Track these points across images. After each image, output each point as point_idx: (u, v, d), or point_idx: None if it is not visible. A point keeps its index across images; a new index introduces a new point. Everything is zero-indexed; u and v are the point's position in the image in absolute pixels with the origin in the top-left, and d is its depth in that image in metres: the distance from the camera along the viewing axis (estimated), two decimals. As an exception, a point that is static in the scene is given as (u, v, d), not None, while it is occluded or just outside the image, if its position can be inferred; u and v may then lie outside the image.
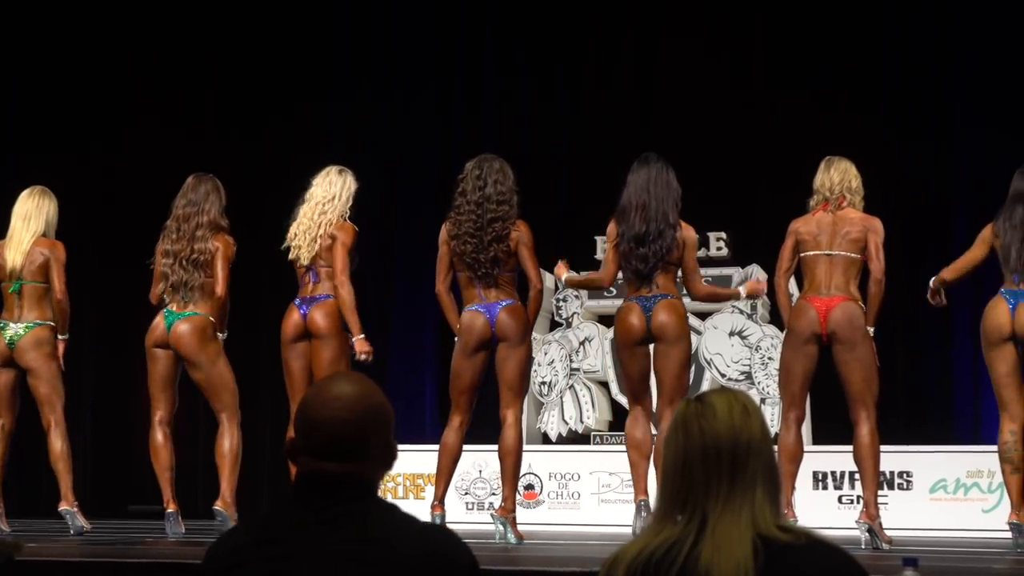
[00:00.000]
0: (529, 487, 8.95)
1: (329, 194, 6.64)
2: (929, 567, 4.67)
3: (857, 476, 6.93)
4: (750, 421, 2.40)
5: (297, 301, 6.67)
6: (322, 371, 6.41)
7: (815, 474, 8.66)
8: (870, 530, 6.24)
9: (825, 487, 8.64)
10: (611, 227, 6.47)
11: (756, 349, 9.44)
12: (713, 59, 10.21)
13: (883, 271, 6.26)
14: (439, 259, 6.43)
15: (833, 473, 8.65)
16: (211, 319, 6.66)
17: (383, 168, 10.26)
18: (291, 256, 6.66)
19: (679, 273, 6.49)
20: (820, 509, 8.57)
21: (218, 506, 6.61)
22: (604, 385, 9.92)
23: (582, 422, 9.78)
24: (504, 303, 6.32)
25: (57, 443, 6.89)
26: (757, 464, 2.37)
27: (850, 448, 6.48)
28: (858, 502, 8.06)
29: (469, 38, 10.76)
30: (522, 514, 8.74)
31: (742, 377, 9.39)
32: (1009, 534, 6.44)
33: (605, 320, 9.93)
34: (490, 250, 6.28)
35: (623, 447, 8.59)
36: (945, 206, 9.08)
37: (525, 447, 8.09)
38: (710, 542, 2.31)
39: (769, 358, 9.50)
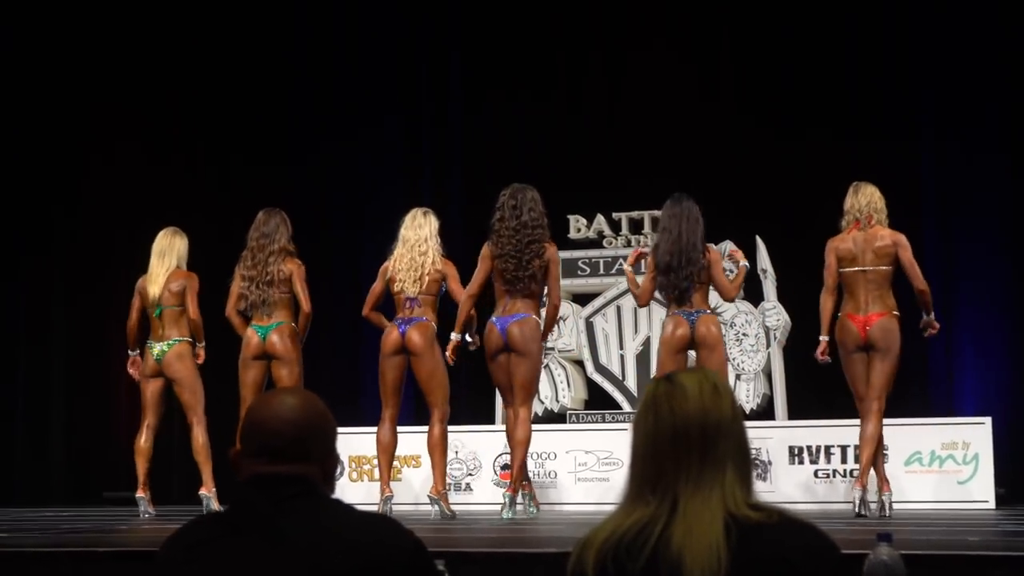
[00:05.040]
0: (505, 467, 8.95)
1: (420, 236, 7.73)
2: (905, 540, 4.68)
3: (834, 451, 8.29)
4: (720, 401, 2.38)
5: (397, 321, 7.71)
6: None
7: (791, 448, 8.68)
8: (861, 499, 7.09)
9: (801, 461, 8.66)
10: (649, 259, 7.59)
11: (731, 325, 9.45)
12: (681, 71, 10.22)
13: (922, 279, 7.29)
14: (478, 271, 7.50)
15: (809, 447, 8.66)
16: (294, 325, 7.87)
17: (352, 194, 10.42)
18: (395, 289, 7.72)
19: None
20: (796, 483, 8.60)
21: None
22: (579, 364, 9.93)
23: (558, 401, 9.79)
24: (516, 317, 7.37)
25: (200, 438, 8.05)
26: (728, 444, 2.35)
27: (824, 423, 8.04)
28: (833, 475, 8.10)
29: (434, 64, 10.79)
30: (499, 494, 8.79)
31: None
32: (985, 505, 7.03)
33: (579, 299, 9.95)
34: (528, 268, 7.37)
35: (599, 426, 8.76)
36: (912, 207, 9.15)
37: (502, 427, 8.57)
38: (682, 523, 2.28)
39: (744, 334, 9.52)
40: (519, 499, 7.40)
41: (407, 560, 2.34)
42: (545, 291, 7.61)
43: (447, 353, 7.61)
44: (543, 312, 7.62)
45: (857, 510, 7.03)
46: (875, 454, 7.24)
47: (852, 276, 7.31)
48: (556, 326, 9.68)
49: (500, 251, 7.42)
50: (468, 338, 7.68)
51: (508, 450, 8.73)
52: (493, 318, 7.49)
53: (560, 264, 7.72)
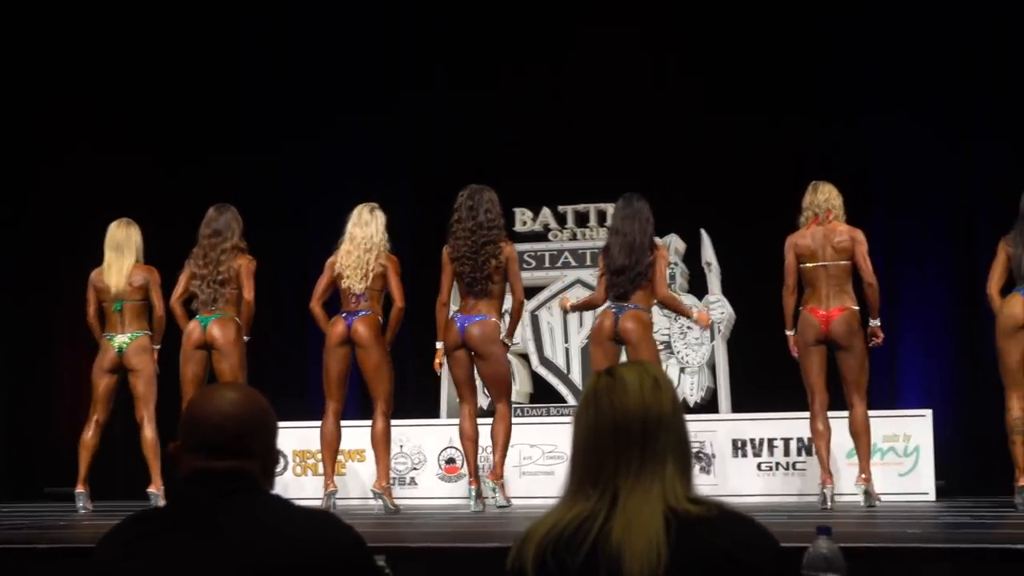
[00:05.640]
0: (450, 460, 8.94)
1: (367, 234, 7.72)
2: (845, 532, 4.71)
3: (777, 444, 8.52)
4: (661, 395, 2.39)
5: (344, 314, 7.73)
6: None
7: (735, 442, 8.71)
8: (866, 491, 7.33)
9: (744, 455, 8.69)
10: (600, 260, 7.76)
11: (675, 319, 9.48)
12: (627, 63, 10.20)
13: (872, 274, 7.45)
14: (442, 277, 7.65)
15: (752, 440, 8.69)
16: (237, 320, 7.83)
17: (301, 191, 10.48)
18: (342, 285, 7.72)
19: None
20: (739, 476, 8.64)
21: None
22: (524, 357, 9.92)
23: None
24: (476, 318, 7.52)
25: (148, 433, 8.05)
26: (668, 438, 2.36)
27: (767, 416, 8.27)
28: (776, 468, 8.14)
29: (381, 60, 10.77)
30: (444, 488, 8.81)
31: (662, 347, 9.41)
32: (925, 496, 7.47)
33: (525, 292, 9.93)
34: (484, 268, 7.49)
35: (544, 419, 8.81)
36: (858, 201, 9.22)
37: (446, 421, 8.58)
38: (622, 517, 2.29)
39: (688, 327, 9.55)
40: (472, 491, 7.48)
41: (346, 556, 2.34)
42: (507, 288, 7.70)
43: (435, 362, 7.76)
44: (506, 310, 7.75)
45: (865, 503, 7.27)
46: (866, 445, 7.48)
47: (812, 271, 7.47)
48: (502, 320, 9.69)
49: (457, 253, 7.54)
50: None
51: (453, 444, 8.79)
52: (455, 314, 7.63)
53: (518, 260, 7.77)
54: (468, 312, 7.55)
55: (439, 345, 7.68)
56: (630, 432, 2.34)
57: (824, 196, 7.55)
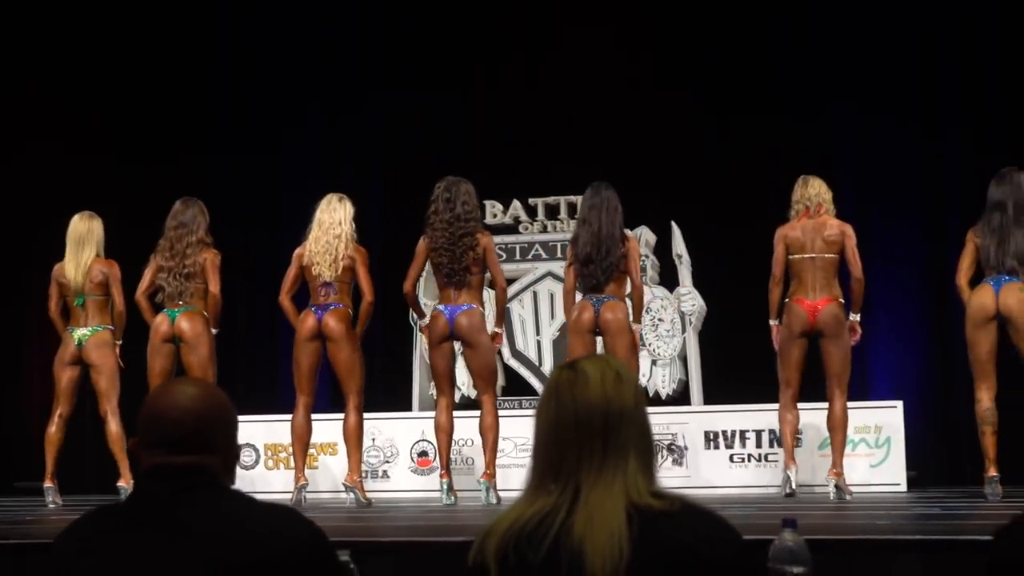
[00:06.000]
0: (423, 454, 8.92)
1: (335, 219, 7.71)
2: (814, 524, 4.71)
3: (749, 435, 8.45)
4: (623, 388, 2.37)
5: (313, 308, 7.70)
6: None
7: (707, 434, 8.71)
8: (837, 485, 7.32)
9: (717, 446, 8.69)
10: (569, 250, 7.71)
11: (647, 311, 9.46)
12: (598, 55, 10.16)
13: (861, 270, 7.54)
14: (412, 266, 7.62)
15: (724, 432, 8.70)
16: (204, 313, 7.80)
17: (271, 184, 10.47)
18: (312, 273, 7.69)
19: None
20: (711, 468, 8.64)
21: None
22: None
23: (475, 388, 9.76)
24: (463, 308, 7.50)
25: (114, 428, 7.97)
26: (630, 432, 2.34)
27: (739, 408, 8.23)
28: (748, 460, 8.17)
29: (351, 51, 10.71)
30: (417, 481, 8.79)
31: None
32: (897, 488, 7.49)
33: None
34: (463, 260, 7.48)
35: (516, 412, 8.78)
36: (833, 189, 9.24)
37: (419, 414, 8.56)
38: (583, 512, 2.27)
39: (659, 319, 9.55)
40: (444, 484, 7.48)
41: (307, 551, 2.32)
42: (488, 279, 7.72)
43: (421, 326, 7.88)
44: (489, 300, 7.79)
45: (836, 496, 7.25)
46: (842, 440, 7.50)
47: (800, 263, 7.53)
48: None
49: (435, 244, 7.53)
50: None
51: (426, 438, 8.77)
52: (440, 306, 7.59)
53: (495, 250, 7.76)
54: (454, 303, 7.53)
55: (424, 321, 7.74)
56: (592, 426, 2.33)
57: (815, 190, 7.62)
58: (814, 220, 7.56)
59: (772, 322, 7.61)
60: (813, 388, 7.71)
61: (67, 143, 10.46)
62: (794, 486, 7.36)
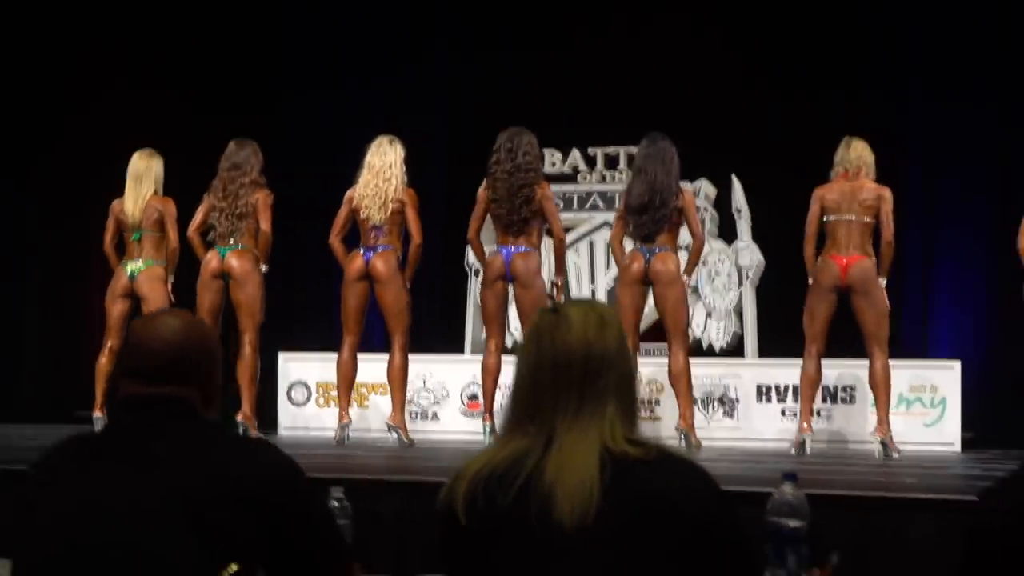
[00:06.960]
0: (473, 397, 8.93)
1: (385, 163, 7.74)
2: (829, 480, 4.66)
3: (797, 392, 8.02)
4: (605, 333, 2.33)
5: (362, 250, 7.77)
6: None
7: (759, 387, 8.67)
8: (883, 443, 7.26)
9: (769, 400, 8.65)
10: (622, 199, 7.71)
11: (703, 263, 9.37)
12: (666, 9, 10.04)
13: (892, 234, 7.44)
14: (474, 215, 7.68)
15: (777, 387, 8.65)
16: (255, 252, 7.84)
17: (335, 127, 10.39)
18: (361, 216, 7.73)
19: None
20: (763, 420, 8.60)
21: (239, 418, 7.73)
22: (550, 298, 9.87)
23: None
24: (520, 249, 7.53)
25: None
26: (610, 377, 2.31)
27: (792, 361, 7.92)
28: (795, 416, 8.12)
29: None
30: (466, 423, 8.81)
31: (690, 291, 9.34)
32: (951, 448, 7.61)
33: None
34: (521, 211, 7.51)
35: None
36: (896, 153, 9.06)
37: (470, 357, 8.61)
38: (556, 456, 2.24)
39: (716, 272, 9.48)
40: (487, 427, 7.52)
41: (276, 486, 2.30)
42: (547, 228, 7.74)
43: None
44: (547, 248, 7.88)
45: (882, 454, 7.20)
46: (886, 398, 7.42)
47: (835, 224, 7.48)
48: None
49: (495, 195, 7.56)
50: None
51: (476, 381, 8.77)
52: (498, 247, 7.64)
53: (554, 199, 7.80)
54: (511, 245, 7.57)
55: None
56: (571, 370, 2.30)
57: (856, 153, 7.53)
58: (852, 183, 7.49)
59: (811, 280, 7.56)
60: (844, 341, 7.65)
61: (133, 81, 10.54)
62: (806, 451, 7.30)
